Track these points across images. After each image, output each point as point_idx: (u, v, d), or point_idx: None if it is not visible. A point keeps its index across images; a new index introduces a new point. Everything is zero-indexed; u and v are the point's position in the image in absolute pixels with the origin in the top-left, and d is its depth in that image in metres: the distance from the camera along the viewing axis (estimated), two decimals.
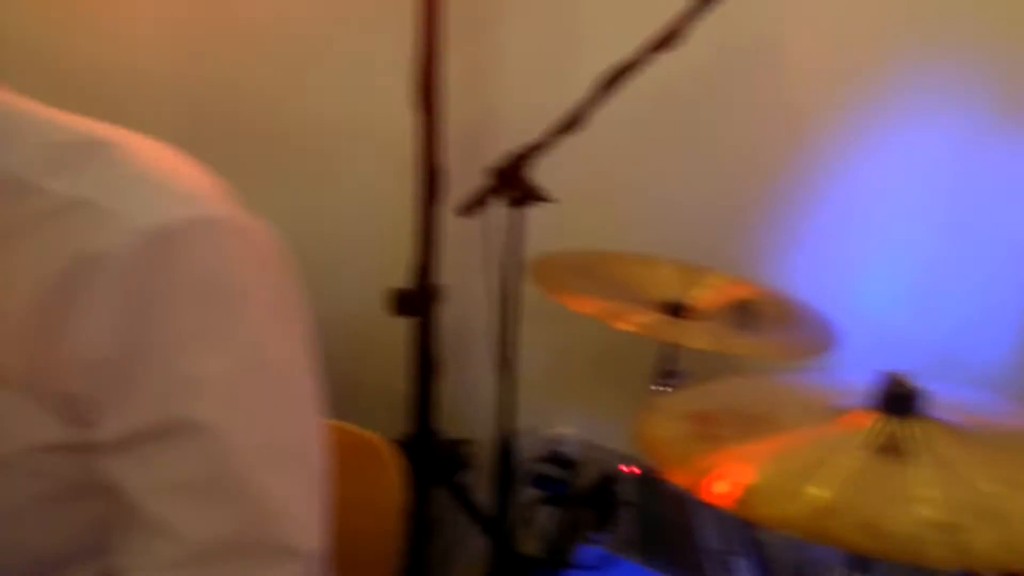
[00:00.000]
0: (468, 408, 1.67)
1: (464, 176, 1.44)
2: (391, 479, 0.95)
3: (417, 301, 1.41)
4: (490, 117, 1.82)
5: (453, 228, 1.48)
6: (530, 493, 1.58)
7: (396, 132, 1.54)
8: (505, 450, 1.45)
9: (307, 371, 0.65)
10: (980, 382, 1.75)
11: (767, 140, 1.89)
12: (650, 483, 1.60)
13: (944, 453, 0.85)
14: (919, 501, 0.77)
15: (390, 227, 1.61)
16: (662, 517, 1.56)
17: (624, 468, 1.57)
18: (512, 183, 1.23)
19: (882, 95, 1.85)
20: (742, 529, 1.53)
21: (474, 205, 1.25)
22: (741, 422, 0.88)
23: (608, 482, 1.47)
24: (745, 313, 1.36)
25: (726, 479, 0.79)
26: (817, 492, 0.79)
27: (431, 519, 1.55)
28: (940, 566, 0.66)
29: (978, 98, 1.79)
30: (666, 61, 1.66)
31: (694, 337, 1.36)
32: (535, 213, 1.41)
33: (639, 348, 1.64)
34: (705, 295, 1.50)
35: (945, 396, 0.95)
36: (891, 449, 0.86)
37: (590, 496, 1.47)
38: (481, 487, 1.68)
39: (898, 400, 0.87)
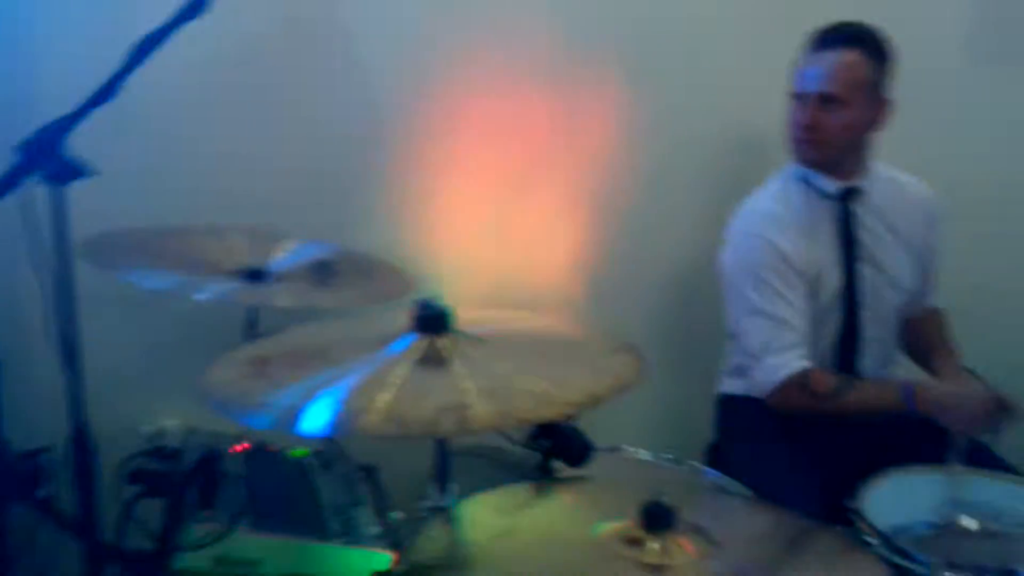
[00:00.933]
0: (43, 412, 1.56)
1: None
2: None
3: None
4: (26, 89, 1.71)
5: None
6: (130, 490, 1.55)
7: None
8: (82, 449, 1.40)
9: None
10: (544, 306, 2.09)
11: (343, 112, 2.02)
12: (262, 455, 1.66)
13: (473, 357, 1.05)
14: (451, 392, 0.96)
15: None
16: (277, 484, 1.63)
17: (236, 446, 1.61)
18: (45, 158, 1.18)
19: (443, 71, 2.05)
20: (362, 479, 1.66)
21: (5, 186, 1.18)
22: (296, 360, 0.99)
23: (208, 462, 1.50)
24: (324, 271, 1.48)
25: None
26: (378, 402, 0.93)
27: (13, 539, 1.44)
28: (449, 435, 0.83)
29: (524, 76, 2.10)
30: (234, 34, 1.68)
31: (277, 298, 1.46)
32: (91, 192, 1.36)
33: (228, 317, 1.68)
34: (285, 258, 1.59)
35: (479, 314, 1.16)
36: (432, 359, 1.03)
37: (191, 479, 1.48)
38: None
39: (430, 321, 1.05)
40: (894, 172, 1.85)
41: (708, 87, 2.10)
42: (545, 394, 0.93)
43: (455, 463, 1.68)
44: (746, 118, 2.10)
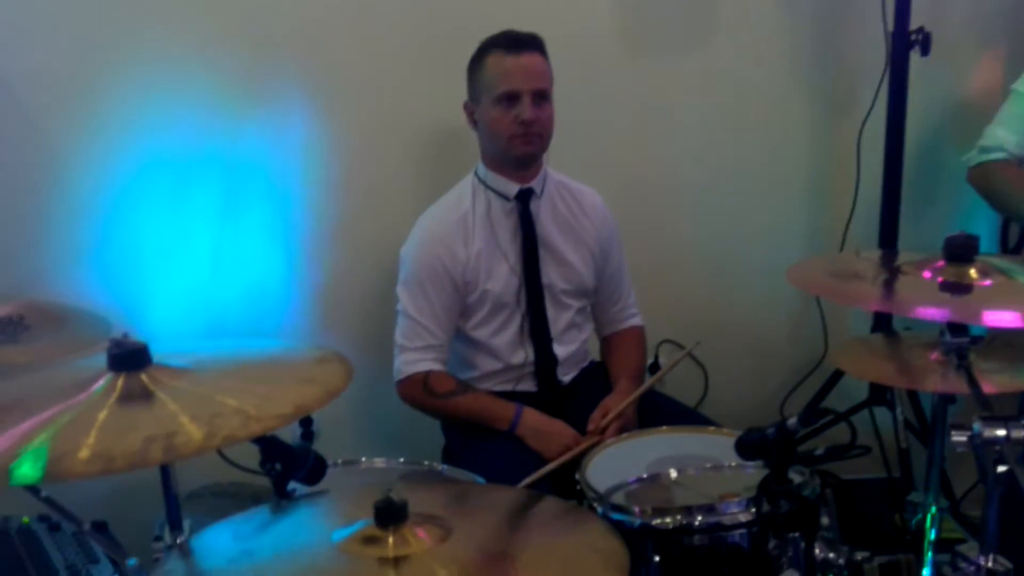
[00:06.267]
0: None
1: None
2: None
3: None
4: None
5: None
6: None
7: None
8: None
9: None
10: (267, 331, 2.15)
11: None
12: None
13: (178, 386, 1.10)
14: (157, 422, 1.01)
15: None
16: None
17: None
18: None
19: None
20: (94, 536, 1.62)
21: None
22: None
23: None
24: (12, 326, 1.45)
25: None
26: (81, 444, 0.96)
27: None
28: (159, 464, 0.89)
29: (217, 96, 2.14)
30: None
31: None
32: None
33: None
34: None
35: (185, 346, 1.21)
36: (134, 395, 1.07)
37: None
38: None
39: (126, 358, 1.09)
40: (563, 177, 2.13)
41: (400, 90, 2.25)
42: (252, 411, 1.00)
43: (196, 505, 1.70)
44: (438, 123, 2.28)
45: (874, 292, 1.63)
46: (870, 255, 1.81)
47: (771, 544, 1.38)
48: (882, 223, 2.40)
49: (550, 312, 2.06)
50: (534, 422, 1.95)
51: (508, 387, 2.08)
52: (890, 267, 1.73)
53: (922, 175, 2.51)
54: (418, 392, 2.00)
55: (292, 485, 1.36)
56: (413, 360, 2.00)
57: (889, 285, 1.63)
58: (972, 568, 1.39)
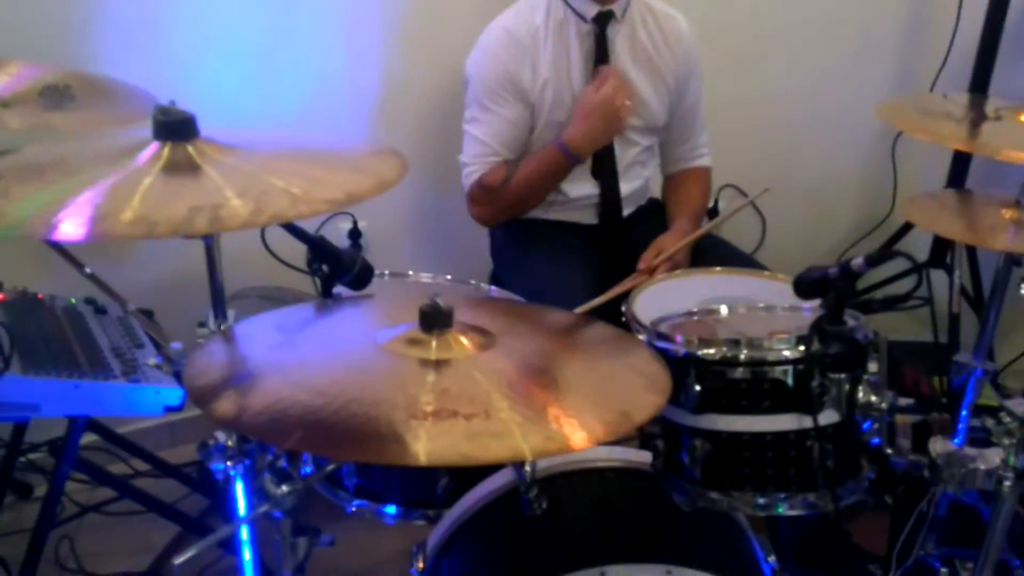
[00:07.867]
0: None
1: None
2: None
3: None
4: None
5: None
6: None
7: None
8: None
9: None
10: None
11: None
12: (23, 304, 1.61)
13: (225, 162, 1.06)
14: (203, 194, 0.97)
15: None
16: (46, 330, 1.61)
17: None
18: None
19: None
20: (140, 322, 1.65)
21: None
22: (27, 172, 0.96)
23: None
24: (57, 94, 1.41)
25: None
26: (125, 206, 0.93)
27: None
28: (200, 234, 0.86)
29: None
30: None
31: (9, 121, 1.39)
32: None
33: None
34: (9, 83, 1.49)
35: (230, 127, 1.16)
36: (180, 166, 1.04)
37: None
38: None
39: (173, 127, 1.04)
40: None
41: None
42: (301, 192, 0.96)
43: (237, 305, 1.71)
44: None
45: (963, 132, 1.52)
46: (962, 99, 1.70)
47: (815, 382, 1.36)
48: (975, 71, 2.25)
49: (617, 148, 1.96)
50: (577, 126, 1.84)
51: (569, 217, 2.02)
52: (984, 112, 1.62)
53: (1018, 24, 2.30)
54: (481, 199, 1.93)
55: (338, 289, 1.34)
56: (469, 172, 1.93)
57: (981, 128, 1.53)
58: (1017, 423, 1.37)
